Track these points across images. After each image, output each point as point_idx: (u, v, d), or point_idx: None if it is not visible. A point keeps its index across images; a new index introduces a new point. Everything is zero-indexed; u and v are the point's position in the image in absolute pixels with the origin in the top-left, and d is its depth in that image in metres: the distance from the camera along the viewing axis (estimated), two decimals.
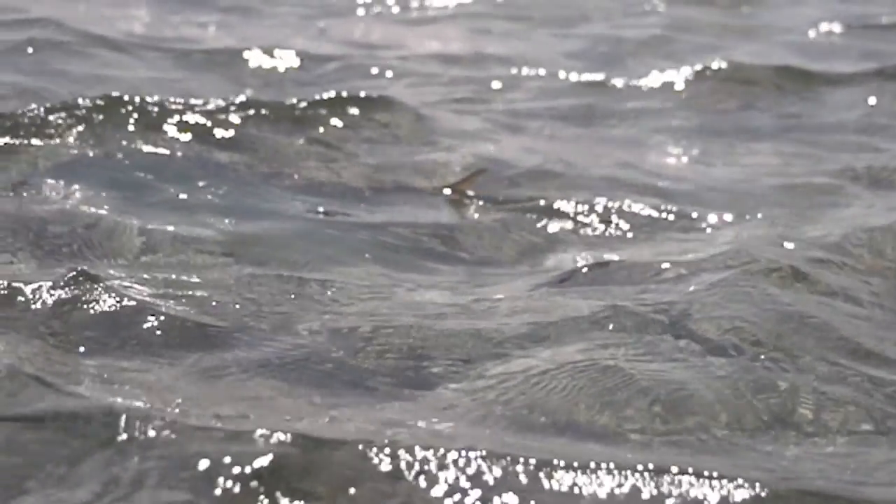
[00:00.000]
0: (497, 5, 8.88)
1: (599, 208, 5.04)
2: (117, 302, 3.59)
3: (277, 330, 3.63)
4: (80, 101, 5.47)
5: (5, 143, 5.04)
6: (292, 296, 3.89)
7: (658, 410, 3.26)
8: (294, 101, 5.91)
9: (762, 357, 3.58)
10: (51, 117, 5.31)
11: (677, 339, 3.68)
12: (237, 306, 3.75)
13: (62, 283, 3.65)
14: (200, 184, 4.92)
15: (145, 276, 3.93)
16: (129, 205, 4.58)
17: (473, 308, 3.93)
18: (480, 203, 5.08)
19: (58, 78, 6.20)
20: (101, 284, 3.66)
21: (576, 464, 2.84)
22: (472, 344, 3.60)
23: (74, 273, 3.70)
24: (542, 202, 5.05)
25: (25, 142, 5.07)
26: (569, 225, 4.90)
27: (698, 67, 7.14)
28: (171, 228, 4.36)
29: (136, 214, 4.44)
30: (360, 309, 3.86)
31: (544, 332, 3.69)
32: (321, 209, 4.83)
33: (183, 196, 4.78)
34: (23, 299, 3.58)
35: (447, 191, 5.18)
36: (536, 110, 6.37)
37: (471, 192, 5.17)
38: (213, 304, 3.73)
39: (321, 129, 5.66)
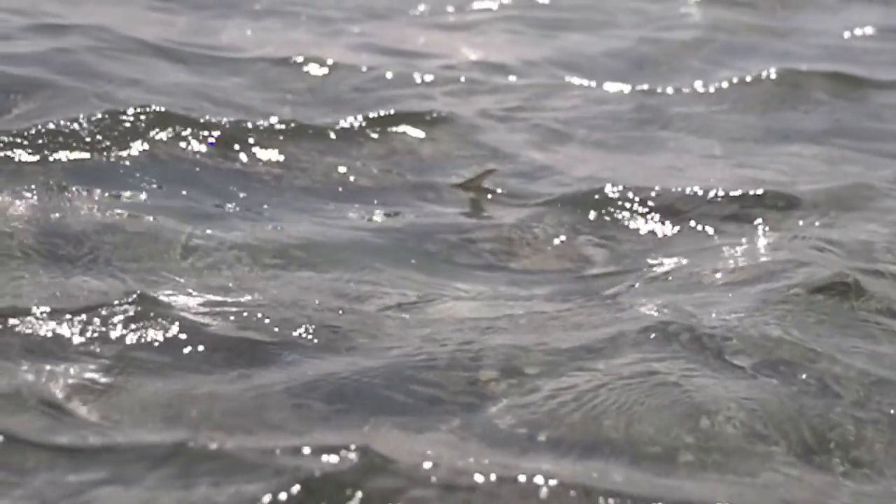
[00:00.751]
0: (534, 7, 8.84)
1: (649, 215, 5.00)
2: (167, 321, 3.58)
3: (327, 346, 3.62)
4: (122, 109, 5.46)
5: (45, 152, 5.03)
6: (341, 311, 3.88)
7: (711, 433, 3.25)
8: (337, 113, 5.90)
9: (812, 378, 3.57)
10: (93, 125, 5.30)
11: (730, 357, 3.66)
12: (287, 321, 3.73)
13: (109, 303, 3.64)
14: (242, 195, 4.91)
15: (192, 291, 3.92)
16: (172, 215, 4.56)
17: (525, 321, 3.91)
18: (528, 212, 5.04)
19: (98, 83, 6.19)
20: (150, 304, 3.65)
21: (639, 495, 2.85)
22: (525, 358, 3.58)
23: (121, 292, 3.70)
24: (591, 211, 5.01)
25: (66, 150, 5.06)
26: (618, 233, 4.87)
27: (742, 72, 7.09)
28: (214, 240, 4.34)
29: (179, 226, 4.42)
30: (408, 322, 3.85)
31: (598, 346, 3.66)
32: (367, 219, 4.81)
33: (226, 207, 4.76)
34: (67, 319, 3.56)
35: (459, 190, 5.18)
36: (582, 117, 6.33)
37: (487, 185, 5.20)
38: (266, 320, 3.72)
39: (365, 141, 5.63)
